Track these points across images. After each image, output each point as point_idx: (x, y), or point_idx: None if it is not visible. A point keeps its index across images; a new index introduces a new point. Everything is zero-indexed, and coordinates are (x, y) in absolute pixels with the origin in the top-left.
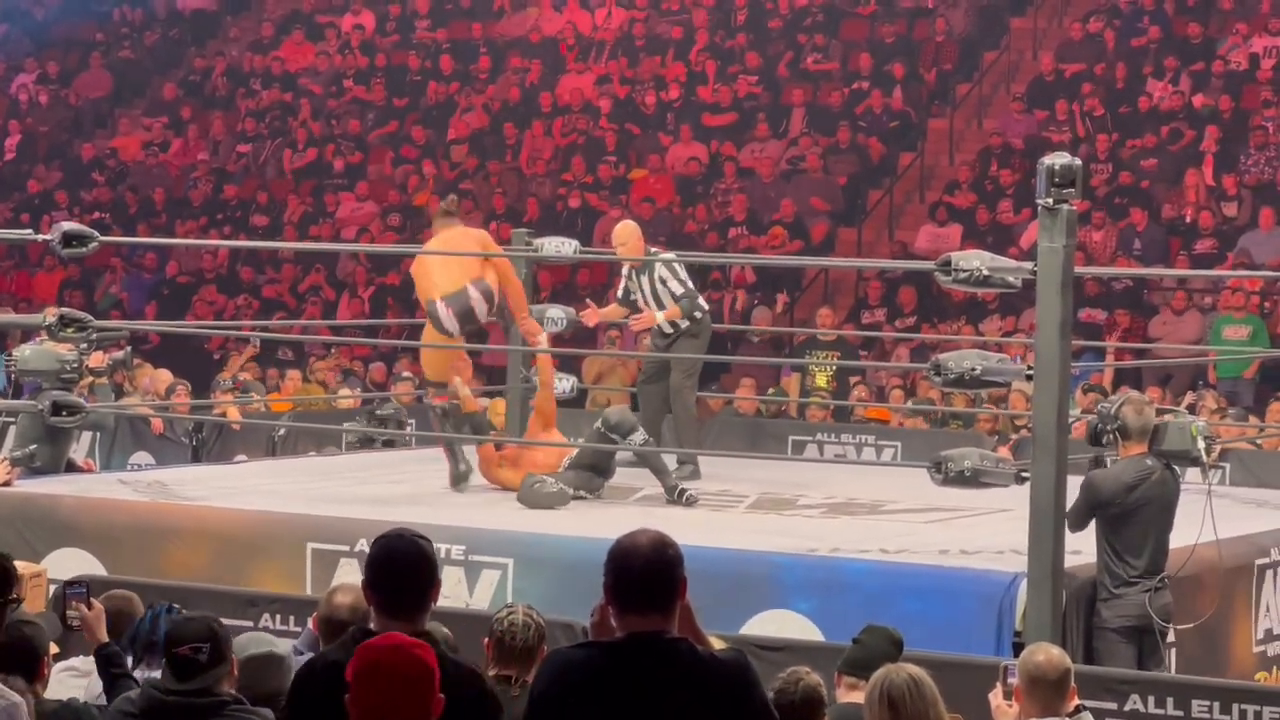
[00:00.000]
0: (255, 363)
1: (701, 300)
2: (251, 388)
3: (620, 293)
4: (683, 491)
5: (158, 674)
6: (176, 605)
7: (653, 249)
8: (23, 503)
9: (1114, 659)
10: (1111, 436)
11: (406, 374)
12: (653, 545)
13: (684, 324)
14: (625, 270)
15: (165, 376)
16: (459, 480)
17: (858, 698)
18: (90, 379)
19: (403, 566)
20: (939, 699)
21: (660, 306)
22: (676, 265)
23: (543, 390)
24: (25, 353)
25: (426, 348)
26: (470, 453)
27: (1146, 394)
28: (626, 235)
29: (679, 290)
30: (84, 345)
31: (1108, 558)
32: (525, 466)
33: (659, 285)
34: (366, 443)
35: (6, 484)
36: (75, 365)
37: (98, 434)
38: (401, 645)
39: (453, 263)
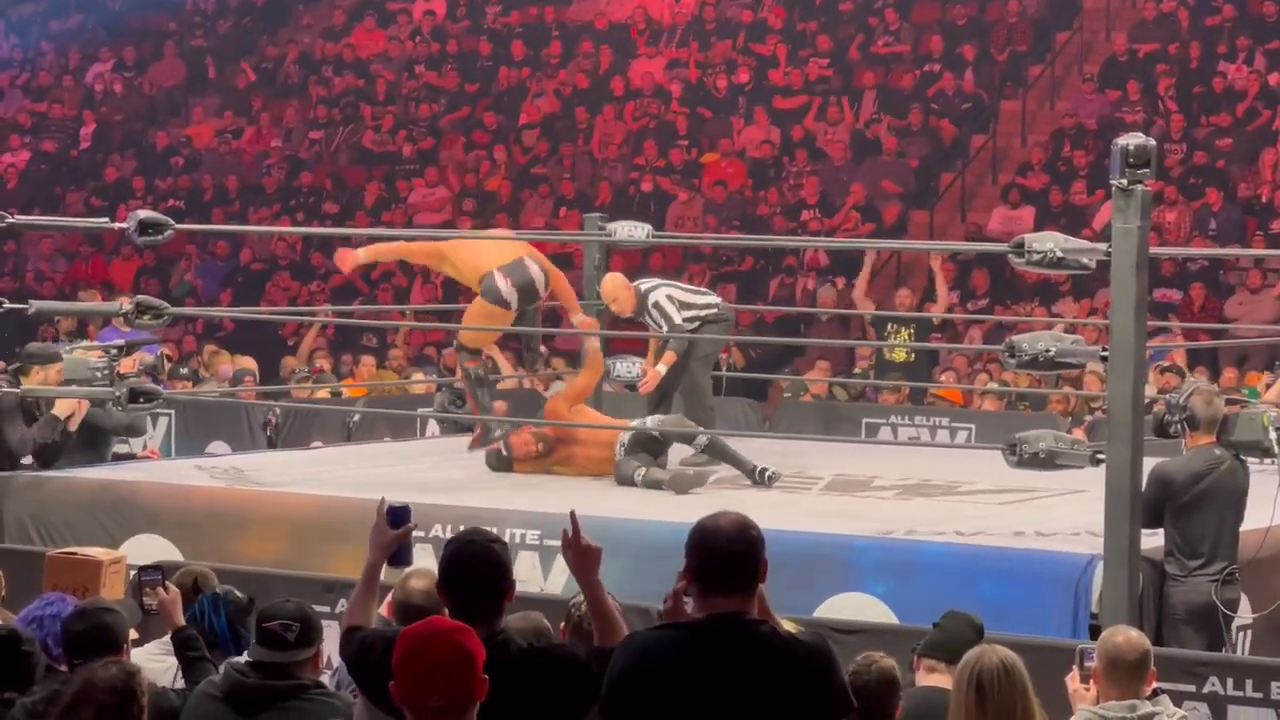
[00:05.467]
0: (328, 354)
1: (715, 297)
2: (325, 379)
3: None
4: (764, 471)
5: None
6: (229, 589)
7: (641, 284)
8: (101, 489)
9: (1181, 646)
10: (1179, 427)
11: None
12: (736, 527)
13: (703, 315)
14: (634, 314)
15: (247, 363)
16: (486, 443)
17: (937, 680)
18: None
19: (476, 572)
20: (1029, 687)
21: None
22: (674, 293)
23: (585, 372)
24: None
25: (472, 321)
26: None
27: (1224, 374)
28: (614, 290)
29: (677, 322)
30: (114, 352)
31: (1175, 546)
32: (569, 447)
33: (660, 321)
34: (452, 427)
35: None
36: (107, 372)
37: (171, 417)
38: (442, 630)
39: (500, 240)
